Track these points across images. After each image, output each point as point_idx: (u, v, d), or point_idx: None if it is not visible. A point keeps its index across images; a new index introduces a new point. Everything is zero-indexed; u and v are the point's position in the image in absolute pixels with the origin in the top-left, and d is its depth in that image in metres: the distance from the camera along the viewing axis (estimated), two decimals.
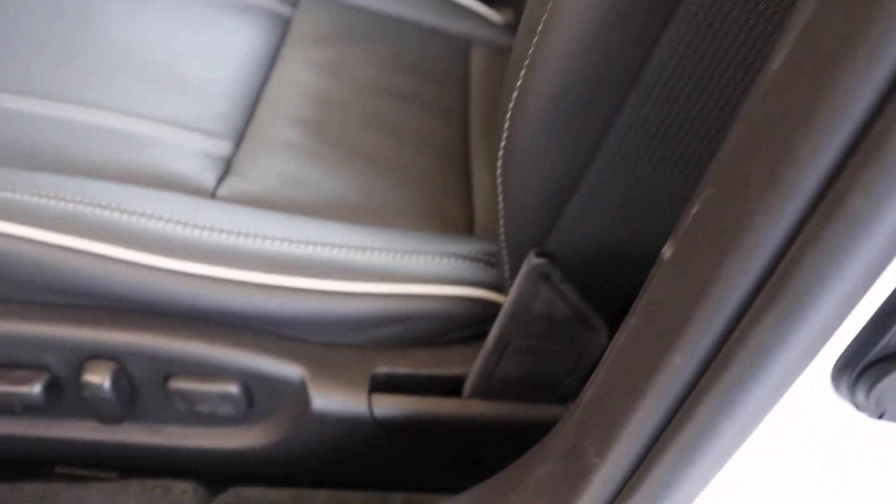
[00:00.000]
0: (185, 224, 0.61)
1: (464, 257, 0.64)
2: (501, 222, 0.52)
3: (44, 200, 0.60)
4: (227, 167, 0.72)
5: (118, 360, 0.61)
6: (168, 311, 0.61)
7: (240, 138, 0.76)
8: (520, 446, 0.59)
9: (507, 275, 0.56)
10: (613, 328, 0.56)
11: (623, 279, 0.53)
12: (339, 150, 0.77)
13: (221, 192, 0.69)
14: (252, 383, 0.62)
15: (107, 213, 0.60)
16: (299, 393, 0.61)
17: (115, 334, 0.61)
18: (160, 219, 0.61)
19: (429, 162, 0.79)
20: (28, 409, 0.62)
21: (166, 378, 0.62)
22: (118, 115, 0.71)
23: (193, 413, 0.64)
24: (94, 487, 0.63)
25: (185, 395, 0.62)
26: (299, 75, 0.86)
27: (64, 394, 0.64)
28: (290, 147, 0.76)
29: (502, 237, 0.53)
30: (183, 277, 0.58)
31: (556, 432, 0.41)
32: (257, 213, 0.65)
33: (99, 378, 0.60)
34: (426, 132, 0.82)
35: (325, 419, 0.61)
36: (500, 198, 0.51)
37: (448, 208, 0.74)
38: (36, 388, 0.61)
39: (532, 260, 0.50)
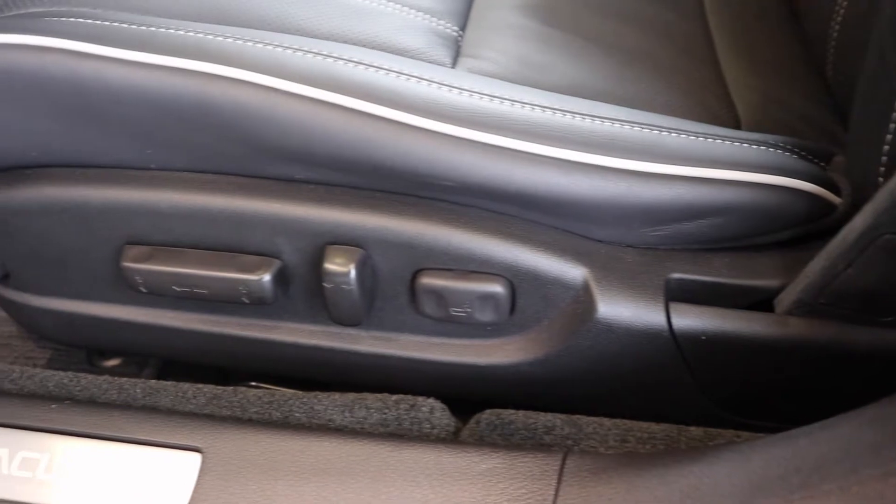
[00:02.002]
0: (451, 86, 0.51)
1: (780, 146, 0.52)
2: None
3: (290, 52, 0.50)
4: (457, 48, 0.62)
5: (364, 247, 0.51)
6: (428, 190, 0.50)
7: (464, 21, 0.66)
8: (852, 383, 0.47)
9: (886, 147, 0.43)
10: None
11: None
12: (576, 36, 0.66)
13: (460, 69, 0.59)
14: (520, 283, 0.51)
15: (361, 68, 0.50)
16: (579, 298, 0.50)
17: (363, 216, 0.51)
18: (421, 79, 0.51)
19: (673, 53, 0.68)
20: (255, 301, 0.53)
21: (416, 273, 0.52)
22: None
23: (442, 319, 0.53)
24: (327, 399, 0.53)
25: (438, 295, 0.52)
26: None
27: (292, 288, 0.54)
28: (523, 31, 0.65)
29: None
30: (453, 143, 0.48)
31: None
32: (516, 86, 0.54)
33: (344, 266, 0.50)
34: (663, 22, 0.71)
35: (611, 330, 0.50)
36: None
37: (708, 102, 0.62)
38: (266, 277, 0.52)
39: None
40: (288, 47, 0.51)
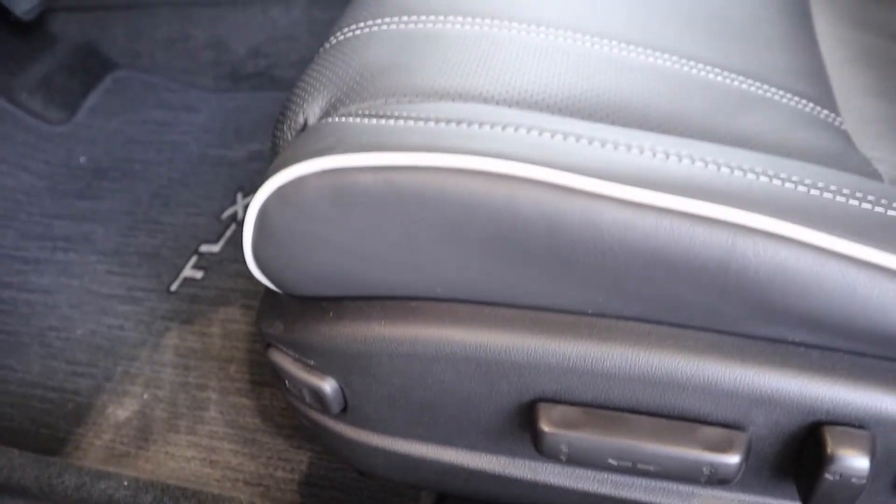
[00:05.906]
0: None
1: None
2: None
3: (790, 187, 0.40)
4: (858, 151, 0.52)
5: (869, 429, 0.42)
6: None
7: (835, 107, 0.55)
8: None
9: None
10: None
11: None
12: None
13: None
14: None
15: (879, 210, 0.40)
16: None
17: (873, 392, 0.41)
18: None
19: None
20: (712, 482, 0.43)
21: None
22: (704, 65, 0.52)
23: None
24: None
25: None
26: (844, 32, 0.67)
27: (748, 464, 0.45)
28: None
29: None
30: None
31: None
32: None
33: (858, 456, 0.41)
34: None
35: None
36: None
37: None
38: (736, 457, 0.42)
39: None
40: (785, 179, 0.40)
